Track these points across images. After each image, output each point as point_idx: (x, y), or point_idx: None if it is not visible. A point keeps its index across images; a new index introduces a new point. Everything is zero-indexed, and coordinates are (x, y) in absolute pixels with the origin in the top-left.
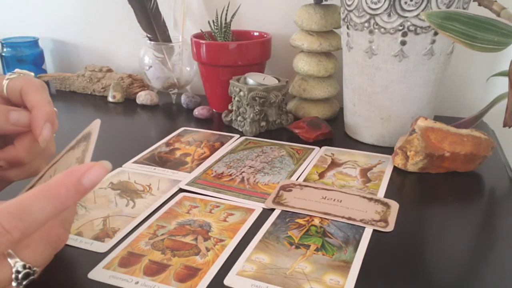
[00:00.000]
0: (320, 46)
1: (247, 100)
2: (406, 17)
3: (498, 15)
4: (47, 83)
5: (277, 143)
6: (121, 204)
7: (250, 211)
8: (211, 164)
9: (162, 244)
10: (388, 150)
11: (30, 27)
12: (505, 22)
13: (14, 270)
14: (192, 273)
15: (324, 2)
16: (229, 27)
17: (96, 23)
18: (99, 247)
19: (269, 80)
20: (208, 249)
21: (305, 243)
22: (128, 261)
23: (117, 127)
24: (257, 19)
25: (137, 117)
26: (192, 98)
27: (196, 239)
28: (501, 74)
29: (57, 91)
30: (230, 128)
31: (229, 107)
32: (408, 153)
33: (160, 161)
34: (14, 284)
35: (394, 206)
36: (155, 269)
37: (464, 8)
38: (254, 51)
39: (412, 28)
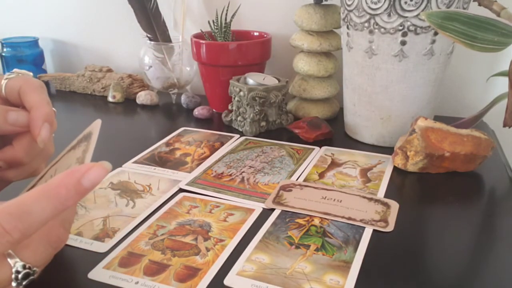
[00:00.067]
0: (320, 46)
1: (247, 100)
2: (406, 17)
3: (498, 15)
4: (47, 83)
5: (277, 143)
6: (121, 204)
7: (250, 211)
8: (211, 164)
9: (162, 244)
10: (388, 150)
11: (30, 27)
12: (505, 22)
13: (14, 270)
14: (192, 273)
15: (324, 2)
16: (229, 27)
17: (96, 23)
18: (99, 247)
19: (269, 80)
20: (208, 249)
21: (305, 243)
22: (128, 261)
23: (117, 127)
24: (257, 19)
25: (137, 117)
26: (192, 98)
27: (196, 239)
28: (501, 74)
29: (57, 91)
30: (230, 128)
31: (229, 107)
32: (408, 153)
33: (160, 161)
34: (14, 284)
35: (394, 206)
36: (155, 269)
37: (464, 8)
38: (254, 51)
39: (412, 28)
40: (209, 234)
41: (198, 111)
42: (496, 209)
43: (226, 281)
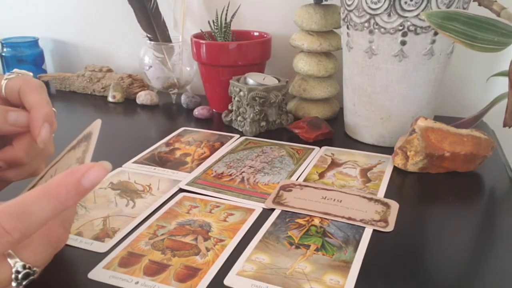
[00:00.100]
0: (320, 46)
1: (247, 100)
2: (406, 17)
3: (498, 15)
4: (47, 83)
5: (277, 143)
6: (121, 204)
7: (250, 211)
8: (211, 164)
9: (162, 244)
10: (388, 150)
11: (30, 27)
12: (505, 22)
13: (14, 270)
14: (192, 273)
15: (324, 2)
16: (229, 27)
17: (96, 23)
18: (99, 247)
19: (269, 80)
20: (208, 249)
21: (305, 243)
22: (128, 261)
23: (117, 127)
24: (257, 19)
25: (137, 117)
26: (192, 98)
27: (196, 239)
28: (501, 74)
29: (57, 91)
30: (230, 128)
31: (229, 107)
32: (408, 153)
33: (160, 161)
34: (14, 284)
35: (394, 206)
36: (155, 269)
37: (464, 8)
38: (254, 51)
39: (412, 28)
40: (209, 234)
41: (198, 111)
42: (496, 209)
43: (226, 281)
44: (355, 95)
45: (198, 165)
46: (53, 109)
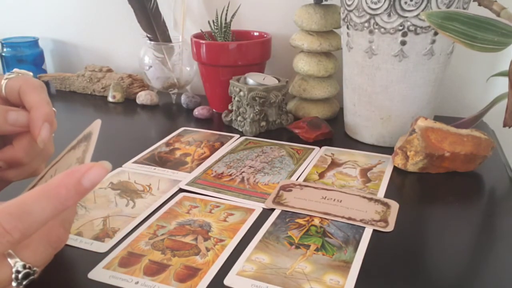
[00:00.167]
0: (320, 46)
1: (247, 100)
2: (406, 17)
3: (498, 15)
4: (47, 83)
5: (277, 143)
6: (121, 204)
7: (250, 211)
8: (211, 164)
9: (162, 244)
10: (388, 150)
11: (30, 27)
12: (505, 22)
13: (14, 270)
14: (192, 273)
15: (324, 2)
16: (229, 27)
17: (96, 23)
18: (99, 247)
19: (269, 80)
20: (208, 249)
21: (305, 243)
22: (128, 261)
23: (117, 127)
24: (257, 19)
25: (137, 117)
26: (192, 98)
27: (196, 239)
28: (501, 74)
29: (57, 91)
30: (230, 128)
31: (229, 107)
32: (408, 153)
33: (160, 161)
34: (14, 284)
35: (394, 206)
36: (155, 269)
37: (464, 8)
38: (254, 51)
39: (412, 28)
40: (209, 234)
41: (198, 111)
42: (496, 209)
43: (226, 281)
44: (355, 95)
45: (198, 165)
46: (53, 109)
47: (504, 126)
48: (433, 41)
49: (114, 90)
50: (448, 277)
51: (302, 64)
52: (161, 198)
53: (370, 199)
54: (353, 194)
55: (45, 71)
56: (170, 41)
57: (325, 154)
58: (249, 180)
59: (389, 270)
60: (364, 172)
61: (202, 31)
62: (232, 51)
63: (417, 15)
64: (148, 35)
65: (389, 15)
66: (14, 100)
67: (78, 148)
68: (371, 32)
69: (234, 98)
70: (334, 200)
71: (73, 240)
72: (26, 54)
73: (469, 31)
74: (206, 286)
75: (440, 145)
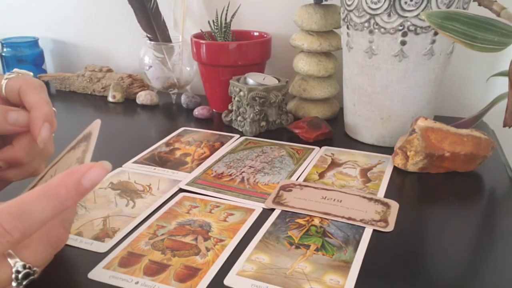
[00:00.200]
0: (320, 46)
1: (247, 100)
2: (406, 17)
3: (498, 15)
4: (47, 83)
5: (277, 143)
6: (121, 204)
7: (250, 211)
8: (211, 164)
9: (162, 244)
10: (388, 150)
11: (30, 27)
12: (505, 22)
13: (14, 270)
14: (192, 273)
15: (324, 2)
16: (229, 27)
17: (96, 23)
18: (99, 247)
19: (269, 80)
20: (208, 249)
21: (305, 243)
22: (128, 261)
23: (117, 127)
24: (257, 19)
25: (137, 117)
26: (192, 98)
27: (196, 239)
28: (501, 74)
29: (57, 91)
30: (230, 128)
31: (229, 107)
32: (408, 153)
33: (160, 161)
34: (14, 284)
35: (394, 206)
36: (155, 269)
37: (464, 8)
38: (254, 51)
39: (412, 28)
40: (209, 234)
41: (198, 111)
42: (496, 209)
43: (226, 281)
44: (355, 95)
45: (198, 165)
46: (53, 109)
47: (504, 126)
48: (433, 41)
49: (114, 90)
50: (448, 277)
51: (302, 64)
52: (161, 198)
53: (370, 199)
54: (353, 194)
55: (45, 71)
56: (170, 41)
57: (325, 154)
58: (249, 180)
59: (389, 270)
60: (364, 172)
61: (202, 31)
62: (232, 51)
63: (417, 15)
64: (148, 35)
65: (389, 15)
66: (14, 100)
67: (78, 148)
68: (371, 32)
69: (234, 98)
70: (334, 200)
71: (73, 240)
72: (26, 54)
73: (469, 31)
74: (206, 286)
75: (440, 145)
